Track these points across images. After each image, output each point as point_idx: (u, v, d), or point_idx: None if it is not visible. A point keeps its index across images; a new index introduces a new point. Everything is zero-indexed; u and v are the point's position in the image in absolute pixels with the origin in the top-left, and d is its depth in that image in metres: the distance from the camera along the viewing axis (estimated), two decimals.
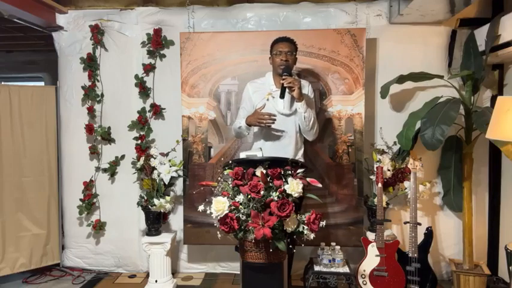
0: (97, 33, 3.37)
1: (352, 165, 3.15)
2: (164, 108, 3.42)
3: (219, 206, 2.05)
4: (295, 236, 2.16)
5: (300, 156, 2.73)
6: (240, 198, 2.08)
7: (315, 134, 2.72)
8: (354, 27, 3.18)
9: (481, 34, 2.87)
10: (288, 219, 2.06)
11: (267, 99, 2.68)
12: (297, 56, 2.71)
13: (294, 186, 2.07)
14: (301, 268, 3.22)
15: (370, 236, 2.98)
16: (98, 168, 3.49)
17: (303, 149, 2.76)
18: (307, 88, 2.74)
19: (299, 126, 2.70)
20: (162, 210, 3.11)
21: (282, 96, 2.55)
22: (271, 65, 2.73)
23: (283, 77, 2.52)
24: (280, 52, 2.62)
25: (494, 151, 3.16)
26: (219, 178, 2.28)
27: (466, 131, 2.91)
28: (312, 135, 2.71)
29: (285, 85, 2.51)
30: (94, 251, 3.55)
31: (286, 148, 2.66)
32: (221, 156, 3.22)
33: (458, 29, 3.17)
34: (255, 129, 2.76)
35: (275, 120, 2.55)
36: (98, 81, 3.45)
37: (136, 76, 3.39)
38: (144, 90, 3.39)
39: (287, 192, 2.07)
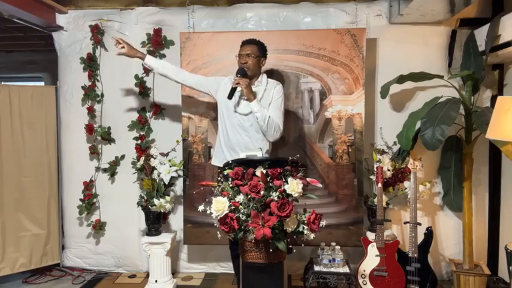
0: (97, 33, 3.37)
1: (352, 165, 3.14)
2: (164, 108, 3.42)
3: (219, 206, 2.05)
4: (295, 236, 2.15)
5: (263, 155, 2.66)
6: (240, 198, 2.08)
7: (275, 135, 2.65)
8: (354, 27, 3.18)
9: (481, 34, 2.87)
10: (288, 219, 2.06)
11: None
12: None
13: (294, 186, 2.07)
14: (301, 268, 3.22)
15: (370, 236, 2.98)
16: (98, 168, 3.49)
17: (266, 149, 2.70)
18: (272, 90, 2.69)
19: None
20: (162, 210, 3.11)
21: (229, 96, 2.59)
22: None
23: (235, 78, 2.57)
24: (241, 55, 2.67)
25: (494, 151, 3.16)
26: (219, 178, 2.28)
27: (466, 131, 2.91)
28: (271, 136, 2.66)
29: (232, 86, 2.56)
30: (94, 251, 3.55)
31: (245, 147, 2.65)
32: None
33: (458, 29, 3.17)
34: (219, 127, 2.79)
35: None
36: (98, 81, 3.44)
37: (136, 76, 3.39)
38: (144, 90, 3.39)
39: (287, 192, 2.07)
